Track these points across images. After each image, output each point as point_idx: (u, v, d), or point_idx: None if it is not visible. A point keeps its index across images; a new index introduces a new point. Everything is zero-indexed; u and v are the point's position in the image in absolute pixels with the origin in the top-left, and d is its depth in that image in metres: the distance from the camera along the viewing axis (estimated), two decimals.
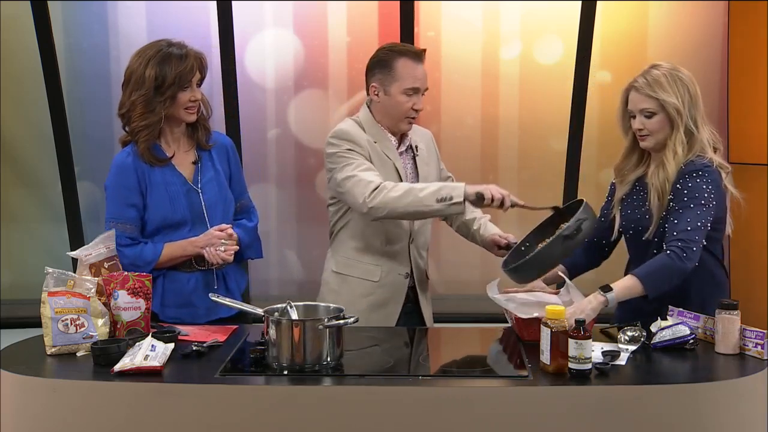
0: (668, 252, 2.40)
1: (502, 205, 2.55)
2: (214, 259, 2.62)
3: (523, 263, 2.47)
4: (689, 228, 2.42)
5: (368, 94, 2.82)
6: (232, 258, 2.65)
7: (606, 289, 2.38)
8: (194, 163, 2.73)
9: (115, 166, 2.66)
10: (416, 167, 2.86)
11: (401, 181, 2.77)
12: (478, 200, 2.56)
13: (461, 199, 2.54)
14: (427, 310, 2.93)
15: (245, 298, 2.81)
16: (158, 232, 2.66)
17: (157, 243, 2.65)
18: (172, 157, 2.69)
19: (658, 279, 2.40)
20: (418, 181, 2.84)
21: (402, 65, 2.74)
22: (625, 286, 2.39)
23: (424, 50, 2.78)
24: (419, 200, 2.57)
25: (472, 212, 2.93)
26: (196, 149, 2.75)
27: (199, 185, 2.71)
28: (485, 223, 2.90)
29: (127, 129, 2.67)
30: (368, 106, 2.83)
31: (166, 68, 2.58)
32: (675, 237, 2.42)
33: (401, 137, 2.85)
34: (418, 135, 2.94)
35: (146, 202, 2.64)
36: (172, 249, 2.64)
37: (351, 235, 2.82)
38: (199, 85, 2.69)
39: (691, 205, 2.45)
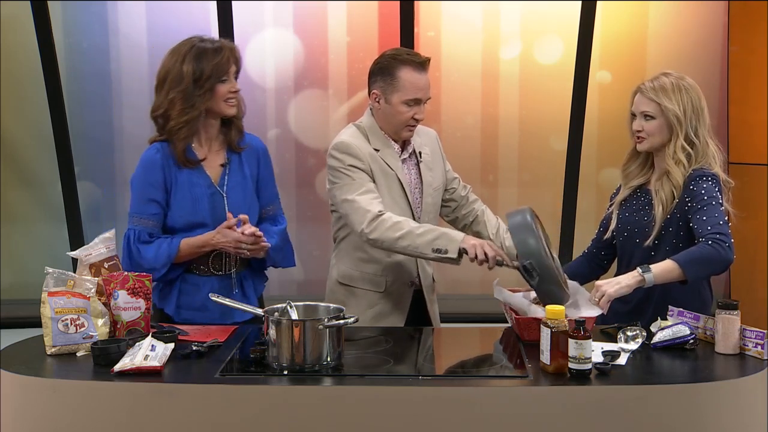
0: (710, 242, 2.40)
1: (487, 261, 2.52)
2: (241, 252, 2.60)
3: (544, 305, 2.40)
4: (721, 222, 2.44)
5: (370, 99, 2.79)
6: (261, 254, 2.63)
7: (645, 269, 2.38)
8: (223, 165, 2.70)
9: (142, 161, 2.64)
10: (420, 173, 2.83)
11: (404, 191, 2.76)
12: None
13: (455, 255, 2.53)
14: (434, 313, 2.91)
15: (261, 304, 2.79)
16: (177, 231, 2.64)
17: (174, 239, 2.61)
18: (203, 159, 2.66)
19: (699, 265, 2.40)
20: (422, 187, 2.81)
21: (404, 75, 2.67)
22: (665, 269, 2.39)
23: (428, 59, 2.72)
24: (415, 246, 2.56)
25: (486, 221, 2.90)
26: (226, 151, 2.72)
27: (225, 188, 2.69)
28: (504, 238, 2.83)
29: (164, 129, 2.61)
30: (371, 111, 2.80)
31: (203, 62, 2.57)
32: (710, 231, 2.42)
33: (404, 143, 2.82)
34: (424, 137, 2.90)
35: (170, 200, 2.63)
36: (190, 244, 2.61)
37: (354, 245, 2.79)
38: (236, 77, 2.66)
39: (713, 203, 2.48)
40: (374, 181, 2.72)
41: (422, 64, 2.69)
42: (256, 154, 2.78)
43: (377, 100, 2.73)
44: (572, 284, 2.57)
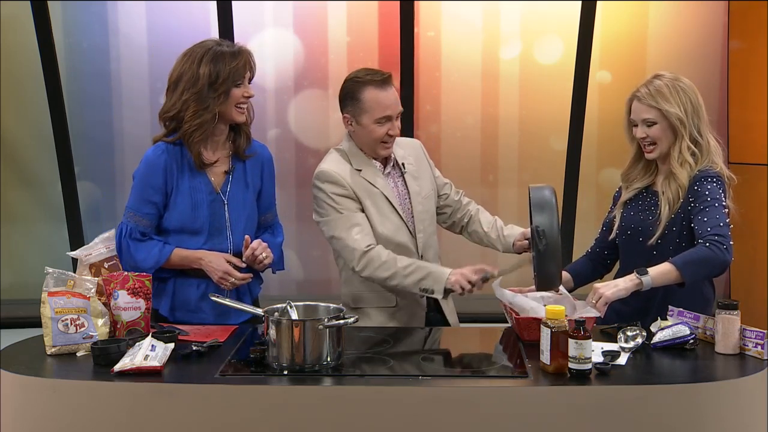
0: (707, 244, 2.40)
1: (473, 287, 2.60)
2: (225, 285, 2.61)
3: (538, 282, 2.47)
4: (721, 224, 2.44)
5: (344, 123, 2.78)
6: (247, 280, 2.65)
7: (642, 272, 2.38)
8: (227, 172, 2.69)
9: (146, 160, 2.62)
10: (406, 184, 2.83)
11: (392, 205, 2.75)
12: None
13: (441, 296, 2.63)
14: (452, 317, 2.89)
15: (256, 305, 2.79)
16: (173, 234, 2.64)
17: (167, 246, 2.61)
18: (215, 162, 2.65)
19: (696, 267, 2.40)
20: (410, 197, 2.81)
21: (368, 96, 2.67)
22: (662, 271, 2.39)
23: (390, 75, 2.72)
24: (404, 286, 2.65)
25: (481, 219, 2.92)
26: (231, 158, 2.70)
27: (226, 196, 2.68)
28: (502, 227, 2.88)
29: (175, 132, 2.60)
30: (349, 134, 2.80)
31: (220, 65, 2.55)
32: (710, 232, 2.42)
33: (385, 158, 2.82)
34: (407, 148, 2.90)
35: (168, 203, 2.62)
36: (181, 256, 2.61)
37: None
38: (249, 82, 2.65)
39: (715, 205, 2.48)
40: (360, 203, 2.72)
41: (384, 81, 2.69)
42: (261, 163, 2.77)
43: (350, 123, 2.75)
44: (563, 291, 2.59)
